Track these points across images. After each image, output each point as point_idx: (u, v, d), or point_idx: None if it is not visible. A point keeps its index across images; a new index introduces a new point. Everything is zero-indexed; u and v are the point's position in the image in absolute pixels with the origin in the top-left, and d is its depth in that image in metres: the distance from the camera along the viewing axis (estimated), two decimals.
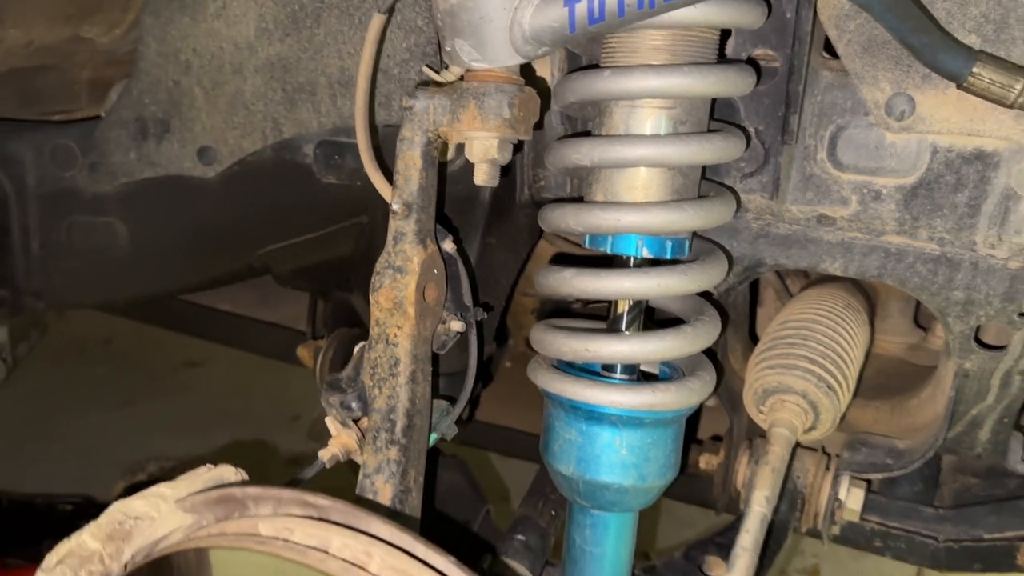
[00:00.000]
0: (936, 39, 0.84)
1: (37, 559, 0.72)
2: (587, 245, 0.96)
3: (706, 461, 1.33)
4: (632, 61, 0.88)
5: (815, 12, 0.95)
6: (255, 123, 1.30)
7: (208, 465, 0.84)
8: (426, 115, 0.88)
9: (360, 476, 0.88)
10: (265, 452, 2.90)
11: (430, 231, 0.91)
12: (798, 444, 1.27)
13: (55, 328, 4.09)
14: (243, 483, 0.78)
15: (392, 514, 0.84)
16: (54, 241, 1.46)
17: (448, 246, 0.96)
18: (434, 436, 0.97)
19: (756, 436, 1.28)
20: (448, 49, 0.89)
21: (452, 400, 1.01)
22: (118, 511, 0.79)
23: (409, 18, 1.13)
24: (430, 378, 0.93)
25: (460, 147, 1.12)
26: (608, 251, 0.94)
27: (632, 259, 0.94)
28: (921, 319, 1.49)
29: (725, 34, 0.96)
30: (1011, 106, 0.87)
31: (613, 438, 0.95)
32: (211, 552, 0.77)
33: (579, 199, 0.98)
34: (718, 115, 1.01)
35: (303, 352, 1.61)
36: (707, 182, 1.01)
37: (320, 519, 0.73)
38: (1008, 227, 0.97)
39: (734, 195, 0.99)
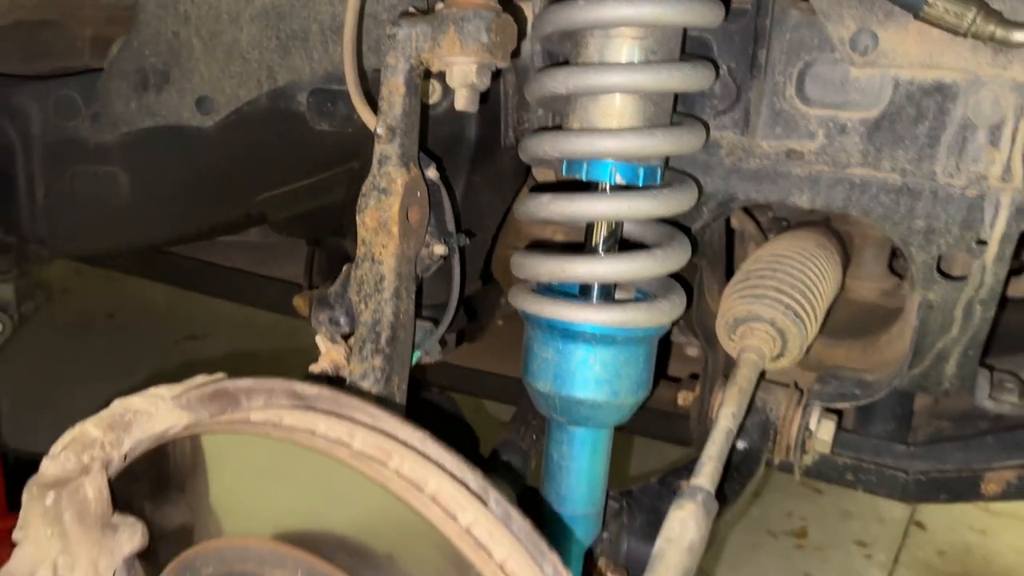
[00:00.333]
0: None
1: None
2: (564, 173, 1.01)
3: (683, 398, 1.38)
4: None
5: None
6: (251, 71, 1.35)
7: (203, 375, 0.89)
8: (408, 42, 0.93)
9: (347, 384, 0.94)
10: None
11: (413, 156, 0.96)
12: (774, 382, 1.32)
13: (61, 302, 4.15)
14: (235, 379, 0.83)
15: (378, 400, 0.89)
16: (58, 190, 1.51)
17: (431, 173, 1.01)
18: (417, 353, 1.02)
19: (731, 371, 1.33)
20: None
21: (436, 322, 1.06)
22: (119, 406, 0.85)
23: None
24: (413, 296, 0.98)
25: (445, 90, 1.18)
26: (583, 178, 0.99)
27: (606, 185, 0.99)
28: (896, 267, 1.54)
29: None
30: (964, 35, 0.92)
31: (587, 355, 1.00)
32: (205, 445, 0.82)
33: None
34: (692, 55, 1.06)
35: (299, 301, 1.65)
36: (679, 115, 1.06)
37: (308, 408, 0.78)
38: (966, 156, 1.02)
39: (704, 127, 1.04)
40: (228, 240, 2.22)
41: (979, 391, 1.34)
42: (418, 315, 1.01)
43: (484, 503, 0.71)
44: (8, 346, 2.43)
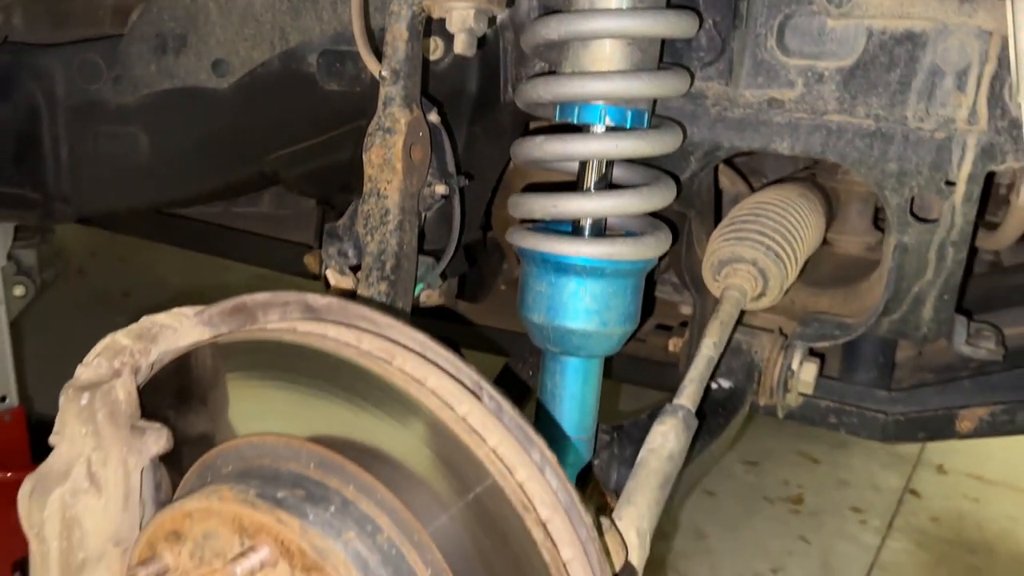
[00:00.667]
0: None
1: None
2: (557, 118, 1.09)
3: (673, 344, 1.45)
4: None
5: None
6: (264, 34, 1.43)
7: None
8: None
9: (355, 297, 1.01)
10: None
11: (416, 98, 1.04)
12: (762, 328, 1.39)
13: (79, 283, 4.25)
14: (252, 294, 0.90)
15: (384, 307, 0.96)
16: (81, 149, 1.59)
17: (433, 117, 1.08)
18: (420, 286, 1.10)
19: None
20: None
21: (438, 259, 1.14)
22: (146, 321, 0.93)
23: None
24: (416, 230, 1.06)
25: (447, 47, 1.25)
26: (575, 120, 1.06)
27: (597, 127, 1.06)
28: (881, 224, 1.60)
29: None
30: None
31: (578, 288, 1.07)
32: (225, 357, 0.90)
33: None
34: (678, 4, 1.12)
35: (310, 259, 1.74)
36: (666, 64, 1.13)
37: (319, 319, 0.86)
38: (934, 101, 1.09)
39: (688, 74, 1.11)
40: (240, 211, 2.31)
41: (956, 337, 1.40)
42: (420, 248, 1.08)
43: (478, 397, 0.78)
44: (27, 321, 2.53)
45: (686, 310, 1.72)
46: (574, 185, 1.10)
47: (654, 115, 1.13)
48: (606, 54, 1.03)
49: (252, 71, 1.45)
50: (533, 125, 1.40)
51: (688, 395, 1.03)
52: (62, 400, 0.87)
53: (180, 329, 0.92)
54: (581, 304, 1.07)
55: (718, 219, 1.55)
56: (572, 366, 1.12)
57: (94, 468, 0.86)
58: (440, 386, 0.78)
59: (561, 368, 1.13)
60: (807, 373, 1.34)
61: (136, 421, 0.89)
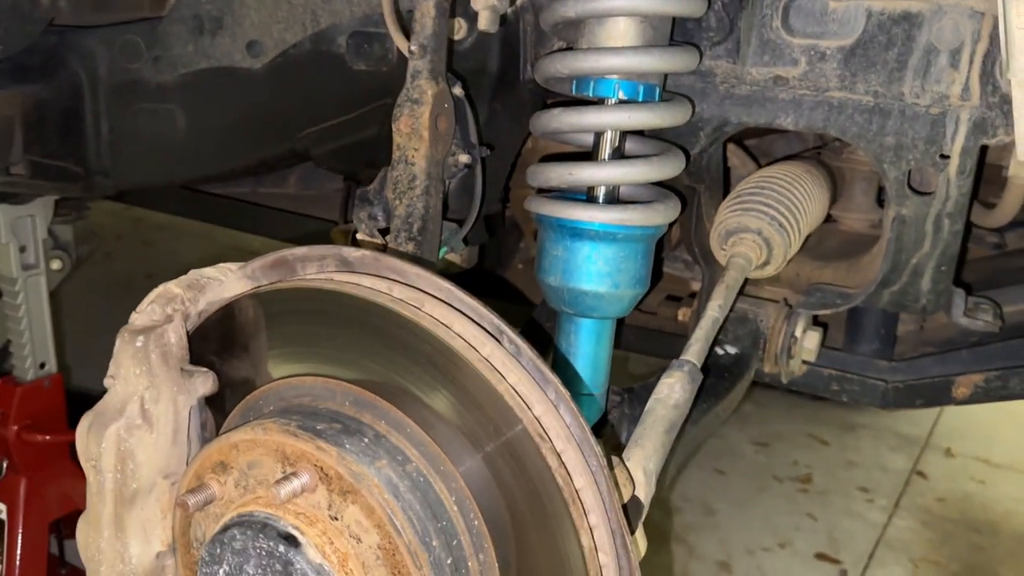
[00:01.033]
0: None
1: None
2: (574, 92, 1.16)
3: (683, 314, 1.52)
4: None
5: None
6: (296, 16, 1.51)
7: None
8: None
9: (387, 249, 1.09)
10: None
11: (441, 72, 1.11)
12: (768, 299, 1.46)
13: (105, 265, 4.36)
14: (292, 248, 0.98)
15: (414, 260, 1.04)
16: (121, 126, 1.68)
17: (457, 90, 1.15)
18: (444, 249, 1.18)
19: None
20: None
21: (461, 224, 1.21)
22: (195, 272, 1.01)
23: None
24: (440, 195, 1.13)
25: (470, 27, 1.32)
26: (590, 94, 1.14)
27: (611, 100, 1.13)
28: (883, 201, 1.67)
29: None
30: None
31: (592, 251, 1.14)
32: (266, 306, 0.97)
33: None
34: None
35: (337, 234, 1.82)
36: (676, 42, 1.20)
37: (354, 271, 0.93)
38: (929, 78, 1.15)
39: (697, 51, 1.18)
40: (268, 191, 2.39)
41: (955, 309, 1.46)
42: (444, 215, 1.16)
43: (499, 341, 0.86)
44: (58, 300, 2.63)
45: (696, 286, 1.79)
46: (589, 156, 1.17)
47: (665, 91, 1.20)
48: (620, 31, 1.10)
49: (284, 52, 1.53)
50: (550, 103, 1.47)
51: (693, 352, 1.11)
52: (118, 343, 0.96)
53: (225, 281, 1.00)
54: (594, 267, 1.14)
55: (727, 196, 1.62)
56: (586, 327, 1.19)
57: (147, 405, 0.95)
58: (465, 330, 0.86)
59: (575, 328, 1.20)
60: (810, 341, 1.40)
61: (185, 364, 0.97)
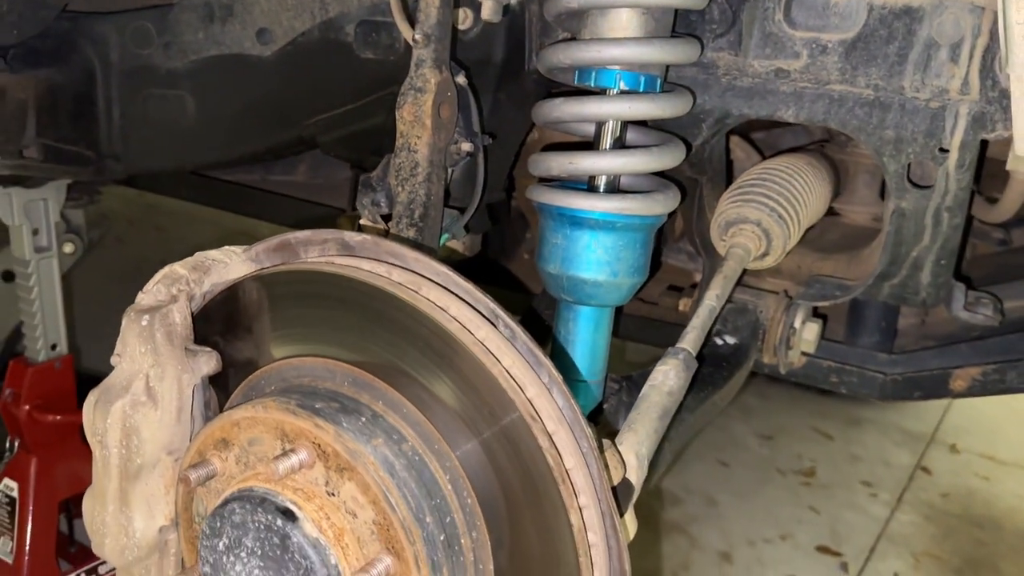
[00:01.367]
0: None
1: None
2: (576, 82, 1.17)
3: (684, 304, 1.54)
4: None
5: None
6: (305, 5, 1.52)
7: None
8: None
9: (388, 235, 1.11)
10: None
11: (445, 61, 1.13)
12: (768, 291, 1.47)
13: (116, 250, 4.41)
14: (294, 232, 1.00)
15: (413, 245, 1.05)
16: (132, 111, 1.70)
17: (461, 79, 1.17)
18: (445, 236, 1.19)
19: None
20: None
21: (462, 212, 1.23)
22: (200, 254, 1.03)
23: None
24: (442, 182, 1.15)
25: (475, 18, 1.34)
26: (592, 85, 1.15)
27: (612, 90, 1.14)
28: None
29: None
30: None
31: (591, 240, 1.16)
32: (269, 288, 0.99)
33: None
34: None
35: (344, 221, 1.84)
36: (678, 34, 1.21)
37: (355, 255, 0.95)
38: (929, 72, 1.16)
39: (698, 43, 1.19)
40: (277, 179, 2.42)
41: (955, 302, 1.47)
42: (445, 202, 1.17)
43: (495, 325, 0.88)
44: (70, 283, 2.67)
45: (698, 277, 1.80)
46: (590, 146, 1.18)
47: (667, 82, 1.21)
48: (622, 22, 1.11)
49: (293, 40, 1.55)
50: (553, 93, 1.48)
51: (689, 340, 1.12)
52: (124, 322, 0.98)
53: (230, 263, 1.02)
54: (594, 256, 1.16)
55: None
56: (584, 314, 1.21)
57: (151, 383, 0.97)
58: (461, 314, 0.87)
59: (574, 316, 1.22)
60: (809, 332, 1.42)
61: (189, 344, 1.00)
